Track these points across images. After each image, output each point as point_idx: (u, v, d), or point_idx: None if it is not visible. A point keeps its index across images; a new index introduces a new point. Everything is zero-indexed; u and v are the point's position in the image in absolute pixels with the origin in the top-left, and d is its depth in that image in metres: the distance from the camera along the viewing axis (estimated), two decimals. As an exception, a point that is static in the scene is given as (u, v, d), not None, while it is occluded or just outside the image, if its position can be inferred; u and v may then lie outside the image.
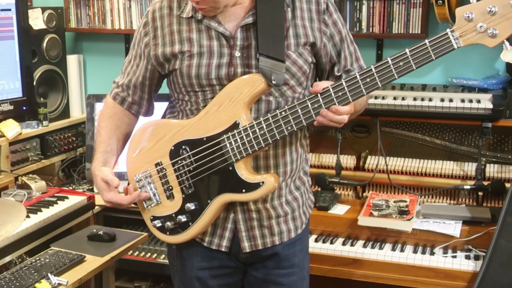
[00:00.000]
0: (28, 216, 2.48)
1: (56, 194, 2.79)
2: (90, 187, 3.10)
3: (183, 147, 1.72)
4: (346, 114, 1.60)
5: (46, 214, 2.55)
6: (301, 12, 1.71)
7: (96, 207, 2.84)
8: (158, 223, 1.79)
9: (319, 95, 1.59)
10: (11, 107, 3.02)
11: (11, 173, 2.86)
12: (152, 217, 1.81)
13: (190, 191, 1.73)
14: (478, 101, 2.68)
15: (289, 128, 1.62)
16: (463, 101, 2.70)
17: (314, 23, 1.71)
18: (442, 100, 2.73)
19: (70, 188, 3.08)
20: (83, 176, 3.19)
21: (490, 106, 2.62)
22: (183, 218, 1.74)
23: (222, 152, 1.67)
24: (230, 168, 1.67)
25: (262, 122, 1.63)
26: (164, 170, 1.76)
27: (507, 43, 1.51)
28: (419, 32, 2.86)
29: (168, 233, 1.79)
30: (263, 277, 1.84)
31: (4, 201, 2.58)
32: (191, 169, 1.72)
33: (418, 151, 2.86)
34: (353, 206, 2.80)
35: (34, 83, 3.15)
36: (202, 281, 1.83)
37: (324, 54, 1.75)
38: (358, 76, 1.56)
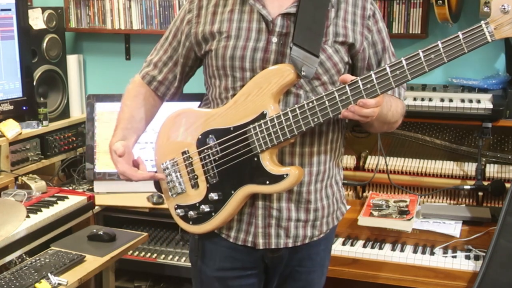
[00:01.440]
0: (28, 216, 2.48)
1: (56, 194, 2.79)
2: (90, 187, 3.11)
3: (210, 136, 1.71)
4: (374, 107, 1.55)
5: (46, 214, 2.55)
6: (345, 13, 1.70)
7: (96, 207, 2.84)
8: (181, 212, 1.79)
9: (347, 86, 1.56)
10: (11, 107, 3.01)
11: (11, 173, 2.86)
12: (176, 206, 1.80)
13: (214, 181, 1.72)
14: (478, 101, 2.68)
15: (315, 119, 1.59)
16: (463, 101, 2.71)
17: (357, 26, 1.70)
18: (442, 100, 2.73)
19: (70, 188, 3.08)
20: (83, 176, 3.19)
21: (490, 106, 2.63)
22: (206, 208, 1.73)
23: (247, 142, 1.65)
24: (255, 159, 1.65)
25: (289, 112, 1.61)
26: (190, 158, 1.75)
27: None
28: (419, 32, 2.86)
29: (191, 222, 1.78)
30: (281, 274, 1.84)
31: (4, 201, 2.58)
32: (217, 158, 1.70)
33: (418, 151, 2.86)
34: (353, 206, 2.79)
35: (34, 83, 3.15)
36: (223, 281, 1.82)
37: (361, 58, 1.73)
38: (387, 68, 1.53)
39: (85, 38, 3.63)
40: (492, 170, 2.73)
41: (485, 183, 2.68)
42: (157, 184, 1.86)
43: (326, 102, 1.58)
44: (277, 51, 1.67)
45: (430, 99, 2.74)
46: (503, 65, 2.88)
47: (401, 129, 2.88)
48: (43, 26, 3.22)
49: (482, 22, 1.47)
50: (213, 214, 1.73)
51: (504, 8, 1.44)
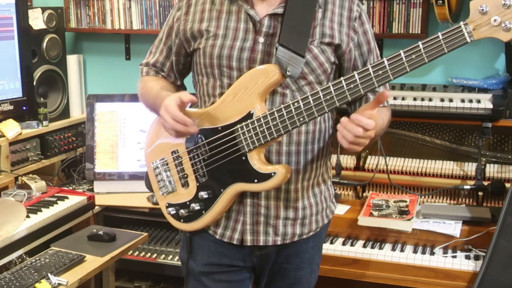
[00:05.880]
0: (28, 216, 2.48)
1: (56, 194, 2.79)
2: (90, 187, 3.11)
3: (199, 135, 1.73)
4: (367, 128, 1.54)
5: (46, 214, 2.55)
6: (332, 15, 1.72)
7: (96, 207, 2.84)
8: (172, 210, 1.82)
9: (331, 86, 1.58)
10: (11, 107, 3.01)
11: (11, 173, 2.86)
12: (167, 204, 1.83)
13: (204, 180, 1.75)
14: (478, 101, 2.68)
15: (301, 119, 1.61)
16: (463, 101, 2.71)
17: (343, 27, 1.72)
18: (442, 100, 2.73)
19: (70, 188, 3.08)
20: (83, 176, 3.19)
21: (490, 106, 2.63)
22: (196, 206, 1.76)
23: (235, 141, 1.68)
24: (243, 158, 1.68)
25: (275, 112, 1.63)
26: (180, 158, 1.78)
27: None
28: (419, 32, 2.86)
29: (182, 220, 1.81)
30: (270, 271, 1.85)
31: (4, 201, 2.58)
32: (206, 157, 1.73)
33: (418, 151, 2.86)
34: (353, 206, 2.80)
35: (34, 83, 3.15)
36: (210, 275, 1.83)
37: (347, 59, 1.74)
38: (370, 69, 1.55)
39: (85, 38, 3.63)
40: (492, 170, 2.73)
41: (485, 183, 2.68)
42: (148, 183, 1.89)
43: (311, 102, 1.60)
44: (263, 51, 1.69)
45: (430, 99, 2.74)
46: (503, 65, 2.88)
47: (401, 129, 2.88)
48: (43, 26, 3.22)
49: (461, 23, 1.49)
50: (203, 212, 1.76)
51: (482, 9, 1.47)
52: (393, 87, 2.85)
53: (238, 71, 1.70)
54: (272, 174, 1.65)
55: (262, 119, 1.64)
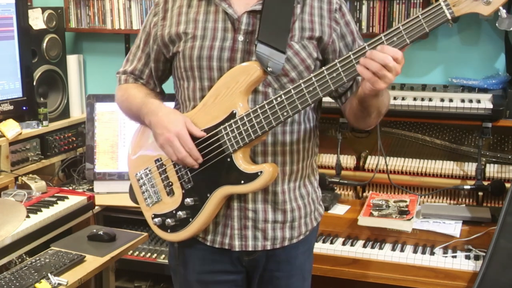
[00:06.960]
0: (28, 216, 2.48)
1: (56, 194, 2.79)
2: (90, 187, 3.11)
3: None
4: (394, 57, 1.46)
5: (46, 214, 2.55)
6: (311, 9, 1.70)
7: (96, 207, 2.84)
8: (159, 221, 1.76)
9: (313, 77, 1.56)
10: (11, 107, 3.01)
11: (11, 173, 2.86)
12: (153, 215, 1.78)
13: (189, 186, 1.70)
14: (478, 101, 2.68)
15: (285, 114, 1.58)
16: (463, 101, 2.71)
17: (324, 19, 1.71)
18: (442, 100, 2.73)
19: (70, 188, 3.08)
20: (83, 176, 3.19)
21: (490, 106, 2.63)
22: (183, 215, 1.71)
23: (219, 143, 1.64)
24: (228, 160, 1.64)
25: (258, 109, 1.60)
26: (163, 166, 1.74)
27: (502, 10, 1.45)
28: (419, 32, 2.86)
29: (169, 230, 1.75)
30: (261, 279, 1.82)
31: (4, 201, 2.58)
32: None
33: (418, 151, 2.86)
34: (353, 206, 2.80)
35: (34, 83, 3.15)
36: (204, 284, 1.81)
37: (331, 50, 1.72)
38: (351, 55, 1.52)
39: (85, 38, 3.63)
40: (492, 170, 2.73)
41: (485, 183, 2.68)
42: (133, 195, 1.85)
43: (294, 95, 1.57)
44: (243, 50, 1.67)
45: (430, 99, 2.74)
46: (503, 65, 2.88)
47: (401, 129, 2.88)
48: (43, 26, 3.22)
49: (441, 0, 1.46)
50: (190, 220, 1.71)
51: None
52: (393, 87, 2.85)
53: (219, 72, 1.67)
54: (259, 174, 1.62)
55: (245, 117, 1.61)
